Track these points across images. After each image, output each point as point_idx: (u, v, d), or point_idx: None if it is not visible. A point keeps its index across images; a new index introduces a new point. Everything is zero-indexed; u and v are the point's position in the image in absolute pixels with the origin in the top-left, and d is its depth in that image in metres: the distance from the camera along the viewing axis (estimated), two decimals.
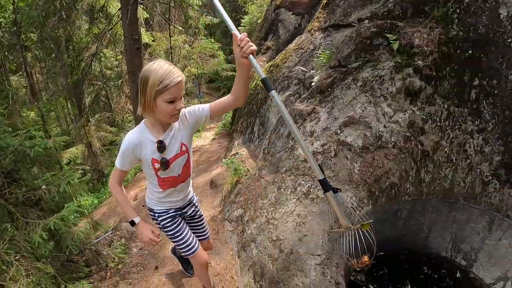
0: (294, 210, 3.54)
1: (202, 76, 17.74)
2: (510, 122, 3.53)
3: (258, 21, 9.63)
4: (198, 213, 2.75)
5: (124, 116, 13.59)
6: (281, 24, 7.41)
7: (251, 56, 1.87)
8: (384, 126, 3.66)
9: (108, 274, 3.94)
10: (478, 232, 3.69)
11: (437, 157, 3.69)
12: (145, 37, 11.21)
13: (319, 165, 2.10)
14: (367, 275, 3.57)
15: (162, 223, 2.50)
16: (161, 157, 2.16)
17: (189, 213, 2.65)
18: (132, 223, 2.28)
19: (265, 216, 3.78)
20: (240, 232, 4.08)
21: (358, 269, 2.61)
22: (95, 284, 3.74)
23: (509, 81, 3.46)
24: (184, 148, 2.26)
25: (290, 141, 4.07)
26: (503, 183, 3.56)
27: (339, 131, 3.70)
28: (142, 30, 10.18)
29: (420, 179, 3.67)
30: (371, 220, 2.36)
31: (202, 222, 2.82)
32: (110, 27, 9.86)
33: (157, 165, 2.19)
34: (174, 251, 3.55)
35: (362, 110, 3.71)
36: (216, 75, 18.79)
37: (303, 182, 3.61)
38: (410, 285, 3.62)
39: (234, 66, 13.00)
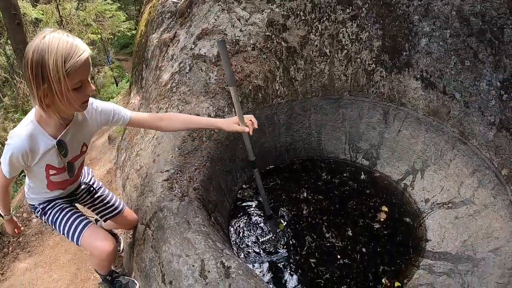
0: (155, 135, 3.23)
1: (108, 41, 16.33)
2: (385, 3, 3.05)
3: None
4: (95, 189, 2.36)
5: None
6: None
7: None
8: (241, 30, 3.29)
9: (10, 248, 3.82)
10: (373, 127, 3.17)
11: (307, 53, 3.26)
12: (33, 13, 10.27)
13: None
14: (255, 189, 3.11)
15: (43, 213, 2.11)
16: (66, 162, 1.80)
17: (81, 194, 2.34)
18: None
19: (136, 150, 3.50)
20: (122, 174, 3.78)
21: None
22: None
23: None
24: (84, 149, 1.92)
25: (158, 71, 3.78)
26: (389, 69, 3.09)
27: (193, 46, 3.37)
28: (25, 3, 9.56)
29: (291, 78, 3.23)
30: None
31: (103, 196, 2.39)
32: None
33: (52, 171, 1.81)
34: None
35: (215, 20, 3.38)
36: (130, 39, 17.38)
37: (162, 105, 3.29)
38: (306, 192, 3.09)
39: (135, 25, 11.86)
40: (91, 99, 1.78)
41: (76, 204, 2.35)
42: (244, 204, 3.15)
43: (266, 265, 2.72)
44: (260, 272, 2.68)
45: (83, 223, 2.10)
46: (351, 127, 3.27)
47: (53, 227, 2.14)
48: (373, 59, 3.13)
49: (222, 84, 3.19)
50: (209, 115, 3.14)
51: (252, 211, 3.09)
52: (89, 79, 1.55)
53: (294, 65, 3.26)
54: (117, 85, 12.81)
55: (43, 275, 3.24)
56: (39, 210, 2.13)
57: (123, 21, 14.13)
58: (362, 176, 3.24)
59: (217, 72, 3.23)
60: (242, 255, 2.80)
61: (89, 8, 12.22)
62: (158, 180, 2.74)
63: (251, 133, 2.21)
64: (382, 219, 2.91)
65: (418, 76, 2.95)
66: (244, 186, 3.26)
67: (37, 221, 4.11)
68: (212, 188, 2.97)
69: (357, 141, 3.29)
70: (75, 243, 2.10)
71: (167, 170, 2.79)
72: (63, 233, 2.12)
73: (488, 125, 2.60)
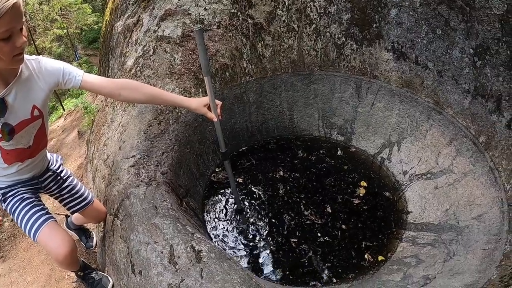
0: (121, 122, 3.01)
1: (75, 36, 15.78)
2: None
3: None
4: (63, 178, 2.12)
5: None
6: None
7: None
8: (205, 9, 3.11)
9: None
10: (347, 101, 3.08)
11: (274, 28, 3.12)
12: None
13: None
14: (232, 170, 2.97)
15: (3, 200, 1.88)
16: (2, 122, 1.58)
17: (47, 182, 2.07)
18: None
19: (103, 140, 3.26)
20: (92, 167, 3.52)
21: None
22: None
23: None
24: (37, 113, 1.70)
25: (122, 58, 3.53)
26: (360, 42, 3.01)
27: (157, 28, 3.15)
28: None
29: (259, 55, 3.08)
30: None
31: (71, 185, 2.16)
32: None
33: None
34: (68, 224, 2.93)
35: (179, 0, 3.16)
36: (98, 33, 17.23)
37: None
38: (283, 171, 2.96)
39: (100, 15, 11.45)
40: (39, 57, 1.64)
41: (43, 196, 2.11)
42: (218, 188, 2.99)
43: (245, 248, 2.58)
44: (239, 255, 2.53)
45: (42, 218, 1.87)
46: (323, 103, 3.17)
47: (12, 216, 1.89)
48: (343, 33, 3.04)
49: (187, 65, 3.00)
50: None
51: (228, 195, 2.93)
52: (21, 30, 1.40)
53: (262, 42, 3.12)
54: None
55: (18, 279, 3.04)
56: (0, 196, 1.88)
57: (89, 14, 13.52)
58: (339, 152, 3.15)
59: (182, 53, 3.04)
60: (219, 240, 2.63)
61: (53, 2, 11.54)
62: (124, 167, 2.52)
63: (220, 118, 2.14)
64: (361, 194, 2.84)
65: (390, 47, 2.89)
66: (217, 169, 3.09)
67: (9, 224, 3.79)
68: (182, 172, 2.78)
69: (330, 117, 3.20)
70: (31, 238, 1.86)
71: (133, 156, 2.57)
72: (21, 225, 1.87)
73: (462, 93, 2.57)
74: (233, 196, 2.74)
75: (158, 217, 2.06)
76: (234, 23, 3.07)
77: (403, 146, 2.90)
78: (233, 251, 2.56)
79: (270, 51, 3.09)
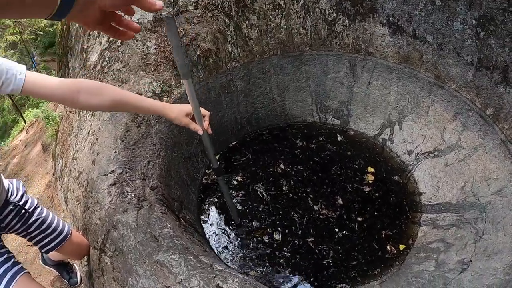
0: (90, 129, 2.53)
1: (31, 42, 14.93)
2: None
3: None
4: (29, 211, 1.69)
5: None
6: None
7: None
8: None
9: None
10: (341, 82, 2.86)
11: (259, 6, 2.77)
12: None
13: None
14: (228, 166, 2.65)
15: None
16: None
17: (9, 220, 1.60)
18: None
19: (72, 153, 2.78)
20: (62, 186, 2.99)
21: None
22: None
23: None
24: None
25: (84, 54, 2.97)
26: (352, 17, 2.78)
27: (123, 14, 2.61)
28: None
29: (244, 37, 2.72)
30: None
31: (41, 219, 1.74)
32: None
33: None
34: (44, 260, 2.44)
35: None
36: (54, 37, 16.15)
37: None
38: (283, 164, 2.69)
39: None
40: None
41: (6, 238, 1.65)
42: (212, 191, 2.68)
43: (261, 259, 2.32)
44: (257, 269, 2.27)
45: (8, 275, 1.49)
46: (316, 85, 2.94)
47: None
48: (334, 8, 2.79)
49: (164, 53, 2.58)
50: (154, 93, 2.53)
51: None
52: None
53: (246, 22, 2.77)
54: None
55: None
56: None
57: None
58: (339, 138, 2.96)
59: (155, 40, 2.60)
60: (229, 256, 2.35)
61: None
62: (102, 187, 2.09)
63: (208, 131, 1.80)
64: (370, 181, 2.70)
65: (385, 21, 2.71)
66: (207, 171, 2.75)
67: None
68: (173, 182, 2.43)
69: (324, 100, 2.98)
70: None
71: (112, 171, 2.14)
72: None
73: (465, 66, 2.47)
74: (230, 213, 2.43)
75: (162, 252, 1.69)
76: (213, 1, 2.69)
77: (405, 125, 2.78)
78: (248, 266, 2.29)
79: (256, 31, 2.76)
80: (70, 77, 3.60)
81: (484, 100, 2.43)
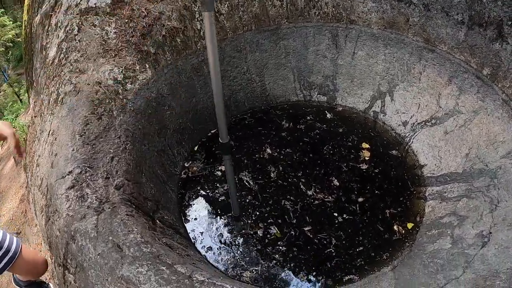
0: (50, 130, 2.23)
1: (1, 54, 14.35)
2: None
3: None
4: None
5: None
6: None
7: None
8: None
9: None
10: (324, 55, 2.63)
11: None
12: None
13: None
14: (204, 161, 2.34)
15: None
16: None
17: None
18: None
19: (35, 160, 2.43)
20: (31, 198, 2.64)
21: None
22: None
23: None
24: None
25: (44, 52, 2.65)
26: None
27: (79, 1, 2.36)
28: None
29: (214, 12, 2.42)
30: None
31: None
32: None
33: None
34: (15, 281, 2.13)
35: None
36: None
37: (53, 88, 2.31)
38: (270, 148, 2.41)
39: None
40: None
41: None
42: (193, 186, 2.37)
43: (254, 259, 2.04)
44: (251, 270, 1.98)
45: None
46: (297, 60, 2.70)
47: None
48: None
49: (125, 37, 2.29)
50: (116, 80, 2.23)
51: (209, 189, 2.33)
52: None
53: None
54: (21, 102, 10.84)
55: None
56: None
57: (10, 27, 11.37)
58: (328, 115, 2.71)
59: (115, 23, 2.31)
60: (219, 259, 2.05)
61: None
62: (60, 191, 1.79)
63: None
64: (367, 158, 2.46)
65: None
66: (186, 164, 2.45)
67: None
68: (144, 179, 2.12)
69: (307, 75, 2.74)
70: None
71: (70, 172, 1.84)
72: None
73: (456, 25, 2.28)
74: (231, 202, 2.13)
75: (127, 265, 1.42)
76: None
77: (396, 95, 2.57)
78: (241, 268, 2.00)
79: (226, 6, 2.50)
80: (34, 81, 3.28)
81: (480, 60, 2.24)
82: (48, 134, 2.21)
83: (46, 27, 2.72)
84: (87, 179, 1.82)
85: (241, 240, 2.10)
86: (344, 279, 1.96)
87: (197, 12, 2.44)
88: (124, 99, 2.21)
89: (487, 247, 1.76)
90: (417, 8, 2.38)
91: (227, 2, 2.50)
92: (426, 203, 2.22)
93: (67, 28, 2.45)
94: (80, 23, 2.39)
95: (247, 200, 2.26)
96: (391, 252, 2.05)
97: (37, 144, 2.39)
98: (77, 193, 1.75)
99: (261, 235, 2.11)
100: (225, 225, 2.18)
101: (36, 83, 2.95)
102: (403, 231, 2.12)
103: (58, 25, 2.61)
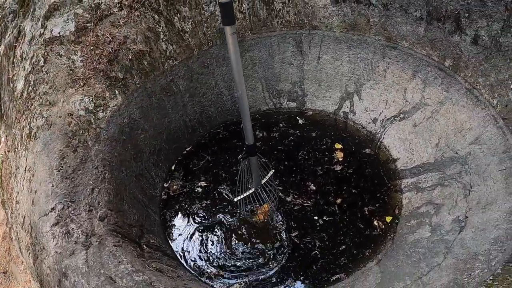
0: (26, 166, 2.23)
1: None
2: None
3: None
4: None
5: None
6: None
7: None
8: None
9: None
10: (289, 62, 2.68)
11: None
12: None
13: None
14: (182, 178, 2.37)
15: None
16: None
17: None
18: None
19: (14, 197, 2.42)
20: (15, 235, 2.61)
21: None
22: None
23: None
24: None
25: (11, 84, 2.63)
26: None
27: (43, 31, 2.35)
28: None
29: (178, 31, 2.50)
30: None
31: None
32: None
33: None
34: None
35: None
36: None
37: (24, 122, 2.29)
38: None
39: None
40: None
41: None
42: (175, 205, 2.40)
43: (244, 268, 2.07)
44: (240, 283, 2.02)
45: None
46: (264, 70, 2.75)
47: None
48: None
49: (92, 64, 2.30)
50: (87, 110, 2.24)
51: (191, 208, 2.36)
52: None
53: (178, 15, 2.53)
54: None
55: None
56: None
57: None
58: (300, 121, 2.76)
59: (81, 51, 2.32)
60: (207, 271, 2.07)
61: None
62: (45, 229, 1.81)
63: None
64: (340, 159, 2.51)
65: None
66: (165, 184, 2.47)
67: None
68: (126, 206, 2.14)
69: (275, 84, 2.80)
70: None
71: (53, 208, 1.86)
72: None
73: (415, 22, 2.37)
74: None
75: None
76: None
77: (364, 94, 2.64)
78: (232, 278, 2.03)
79: (190, 23, 2.53)
80: (3, 114, 3.24)
81: (441, 53, 2.32)
82: (25, 170, 2.20)
83: (11, 58, 2.71)
84: (70, 214, 1.84)
85: (229, 252, 2.13)
86: (331, 279, 2.00)
87: (161, 33, 2.46)
88: (97, 128, 2.22)
89: (465, 231, 1.84)
90: (377, 8, 2.46)
91: (191, 20, 2.53)
92: (402, 195, 2.29)
93: (33, 60, 2.45)
94: (45, 53, 2.39)
95: (232, 213, 2.29)
96: (374, 247, 2.11)
97: (14, 181, 2.38)
98: (63, 229, 1.77)
99: (249, 248, 2.14)
100: (211, 241, 2.20)
101: (6, 117, 2.91)
102: (383, 226, 2.19)
103: (24, 57, 2.60)
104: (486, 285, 1.50)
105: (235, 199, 2.19)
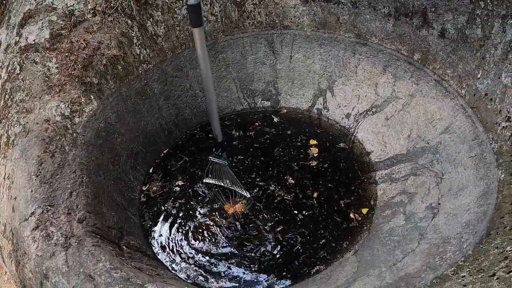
0: (5, 174, 2.23)
1: None
2: None
3: None
4: None
5: None
6: None
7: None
8: None
9: None
10: (262, 62, 2.73)
11: (161, 0, 2.55)
12: None
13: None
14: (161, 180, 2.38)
15: None
16: None
17: None
18: None
19: None
20: None
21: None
22: None
23: None
24: None
25: None
26: None
27: (18, 39, 2.38)
28: None
29: (151, 36, 2.52)
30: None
31: None
32: None
33: None
34: None
35: None
36: None
37: (2, 131, 2.27)
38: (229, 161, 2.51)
39: None
40: None
41: None
42: (154, 206, 2.42)
43: (227, 266, 2.10)
44: (225, 279, 2.04)
45: None
46: (237, 71, 2.79)
47: None
48: None
49: (67, 70, 2.32)
50: (64, 115, 2.26)
51: (171, 208, 2.38)
52: None
53: (151, 19, 2.57)
54: None
55: None
56: None
57: None
58: (275, 119, 2.81)
59: (56, 58, 2.33)
60: (187, 272, 2.09)
61: None
62: (26, 234, 1.82)
63: None
64: (315, 154, 2.56)
65: None
66: (144, 187, 2.49)
67: None
68: (105, 208, 2.15)
69: (249, 84, 2.84)
70: None
71: (32, 213, 1.88)
72: None
73: (384, 18, 2.44)
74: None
75: None
76: (112, 5, 2.46)
77: (336, 90, 2.70)
78: (212, 278, 2.06)
79: (163, 27, 2.56)
80: None
81: (410, 47, 2.39)
82: (4, 178, 2.20)
83: None
84: (50, 218, 1.85)
85: (210, 252, 2.15)
86: (312, 272, 2.04)
87: (135, 38, 2.49)
88: (74, 133, 2.23)
89: (438, 217, 1.89)
90: (346, 6, 2.52)
91: (163, 24, 2.56)
92: (377, 187, 2.34)
93: (9, 68, 2.45)
94: (21, 61, 2.40)
95: (211, 211, 2.32)
96: (351, 239, 2.15)
97: None
98: (43, 232, 1.79)
99: (227, 247, 2.17)
100: (194, 242, 2.22)
101: None
102: (359, 218, 2.23)
103: (0, 65, 2.61)
104: (457, 266, 1.55)
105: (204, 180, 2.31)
